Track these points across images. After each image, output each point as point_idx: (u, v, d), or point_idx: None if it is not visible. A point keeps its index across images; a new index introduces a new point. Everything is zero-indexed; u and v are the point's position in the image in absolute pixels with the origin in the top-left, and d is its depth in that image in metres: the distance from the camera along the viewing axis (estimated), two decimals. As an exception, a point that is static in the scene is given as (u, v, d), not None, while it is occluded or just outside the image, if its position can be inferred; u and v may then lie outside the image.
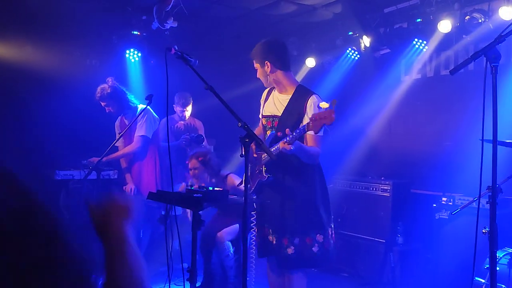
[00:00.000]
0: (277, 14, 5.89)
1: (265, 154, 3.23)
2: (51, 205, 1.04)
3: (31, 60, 5.51)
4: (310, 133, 3.07)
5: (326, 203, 3.36)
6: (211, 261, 4.40)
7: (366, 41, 5.74)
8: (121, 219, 1.30)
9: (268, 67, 3.30)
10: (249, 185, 3.36)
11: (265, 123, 3.43)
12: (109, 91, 4.85)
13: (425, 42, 5.39)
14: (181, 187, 4.37)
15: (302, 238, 3.22)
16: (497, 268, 3.32)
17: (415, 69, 5.83)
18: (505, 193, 3.38)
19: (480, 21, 4.70)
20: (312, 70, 6.47)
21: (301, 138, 3.14)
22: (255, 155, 3.36)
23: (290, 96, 3.30)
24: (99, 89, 4.87)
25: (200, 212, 2.73)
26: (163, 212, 2.91)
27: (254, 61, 3.41)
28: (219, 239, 4.32)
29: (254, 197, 3.45)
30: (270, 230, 3.33)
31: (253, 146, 3.31)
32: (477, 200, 2.65)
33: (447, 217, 4.51)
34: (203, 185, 3.11)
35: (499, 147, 2.27)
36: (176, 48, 2.80)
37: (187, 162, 4.57)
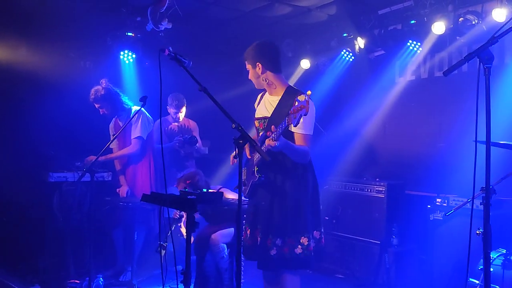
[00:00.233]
0: (271, 16, 5.89)
1: (257, 155, 3.25)
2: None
3: (25, 62, 5.48)
4: (295, 130, 3.11)
5: (315, 205, 3.35)
6: (206, 263, 4.38)
7: (360, 42, 5.76)
8: None
9: (259, 68, 3.34)
10: (244, 187, 3.38)
11: (258, 125, 3.46)
12: (102, 92, 4.84)
13: (419, 43, 5.41)
14: (175, 214, 4.34)
15: (284, 240, 3.20)
16: (491, 269, 3.33)
17: (409, 71, 5.86)
18: (499, 194, 3.39)
19: (473, 22, 4.72)
20: (307, 72, 6.48)
21: (291, 138, 3.16)
22: (249, 157, 3.37)
23: (280, 97, 3.33)
24: (92, 91, 4.87)
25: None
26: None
27: (246, 62, 3.44)
28: (213, 241, 4.31)
29: (246, 199, 3.45)
30: (260, 231, 3.32)
31: (247, 148, 3.32)
32: (471, 201, 2.65)
33: (441, 218, 4.52)
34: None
35: (492, 148, 2.28)
36: (170, 49, 2.79)
37: (175, 185, 4.55)
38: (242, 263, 4.08)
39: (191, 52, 6.10)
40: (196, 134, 5.78)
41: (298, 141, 3.20)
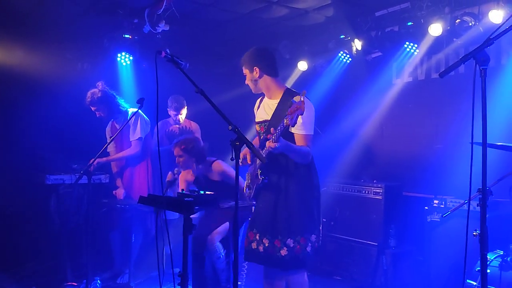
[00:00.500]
0: (269, 18, 5.90)
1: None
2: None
3: (22, 63, 5.48)
4: (295, 130, 3.17)
5: (318, 204, 3.41)
6: (202, 263, 4.37)
7: (357, 44, 5.76)
8: None
9: (256, 72, 3.40)
10: (249, 190, 3.44)
11: (258, 129, 3.51)
12: (99, 95, 4.84)
13: (416, 45, 5.42)
14: (168, 176, 4.32)
15: (296, 239, 3.25)
16: (488, 271, 3.33)
17: (406, 72, 5.87)
18: (496, 195, 3.38)
19: (470, 24, 4.73)
20: (304, 73, 6.48)
21: (292, 139, 3.20)
22: (249, 162, 3.43)
23: (279, 100, 3.38)
24: (89, 94, 4.86)
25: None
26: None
27: (243, 67, 3.50)
28: (210, 241, 4.30)
29: (253, 203, 3.48)
30: (262, 234, 3.34)
31: (248, 154, 3.41)
32: (468, 202, 2.65)
33: (438, 220, 4.53)
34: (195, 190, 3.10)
35: (490, 149, 2.28)
36: (167, 51, 2.80)
37: (172, 149, 4.55)
38: (245, 265, 4.08)
39: (188, 54, 6.12)
40: (198, 135, 5.77)
41: (299, 141, 3.24)
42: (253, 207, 3.55)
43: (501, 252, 3.61)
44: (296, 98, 2.88)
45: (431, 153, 5.37)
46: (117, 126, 5.02)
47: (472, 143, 2.30)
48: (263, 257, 3.32)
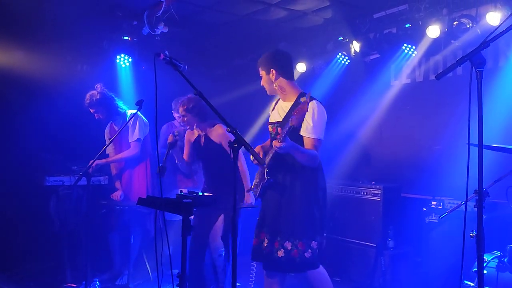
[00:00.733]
0: (267, 20, 5.91)
1: (268, 156, 3.35)
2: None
3: (22, 65, 5.48)
4: (304, 133, 3.22)
5: (323, 209, 3.42)
6: (202, 261, 4.37)
7: (356, 46, 5.79)
8: None
9: (273, 74, 3.46)
10: (255, 189, 3.49)
11: (271, 130, 3.55)
12: (98, 97, 4.85)
13: (414, 47, 5.44)
14: (170, 138, 4.30)
15: (295, 243, 3.26)
16: (485, 271, 3.34)
17: (404, 74, 5.89)
18: (493, 197, 3.40)
19: (468, 26, 4.76)
20: (303, 75, 6.49)
21: (300, 142, 3.24)
22: (254, 163, 3.42)
23: (292, 103, 3.42)
24: (88, 95, 4.87)
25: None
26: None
27: (260, 69, 3.56)
28: (212, 238, 4.31)
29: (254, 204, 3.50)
30: (265, 233, 3.39)
31: (260, 152, 3.45)
32: (465, 204, 2.67)
33: (436, 221, 4.54)
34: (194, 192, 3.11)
35: (487, 151, 2.29)
36: (166, 53, 2.81)
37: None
38: (254, 264, 4.08)
39: (187, 55, 6.13)
40: None
41: (307, 145, 3.27)
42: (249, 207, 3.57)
43: (499, 253, 3.62)
44: (302, 99, 2.96)
45: (430, 154, 5.39)
46: (116, 128, 5.02)
47: (468, 144, 2.31)
48: (264, 255, 3.36)
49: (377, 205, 5.25)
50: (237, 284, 2.74)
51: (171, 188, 5.18)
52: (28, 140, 5.14)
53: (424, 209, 4.76)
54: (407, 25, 5.30)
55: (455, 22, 4.80)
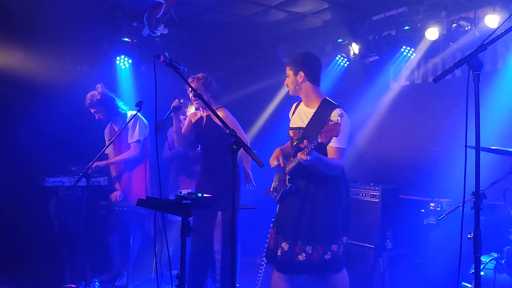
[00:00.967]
0: (267, 21, 5.93)
1: (290, 164, 3.34)
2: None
3: (21, 66, 5.48)
4: (329, 144, 3.14)
5: (347, 213, 3.44)
6: (203, 264, 4.37)
7: (355, 48, 5.81)
8: None
9: (300, 77, 3.42)
10: (275, 193, 3.50)
11: (292, 135, 3.53)
12: (98, 97, 4.87)
13: (413, 49, 5.46)
14: (175, 102, 4.28)
15: (315, 247, 3.29)
16: (483, 273, 3.36)
17: (403, 76, 5.90)
18: (491, 199, 3.41)
19: (466, 28, 4.78)
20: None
21: (324, 151, 3.21)
22: (282, 165, 3.44)
23: (315, 109, 3.40)
24: (88, 96, 4.89)
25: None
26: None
27: (287, 68, 3.51)
28: (216, 243, 4.34)
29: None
30: (283, 238, 3.38)
31: (280, 157, 3.43)
32: (462, 205, 2.68)
33: (434, 223, 4.56)
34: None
35: (485, 153, 2.31)
36: (166, 55, 2.83)
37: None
38: (263, 264, 4.10)
39: (187, 57, 6.14)
40: None
41: (330, 154, 3.25)
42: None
43: (496, 255, 3.64)
44: (334, 117, 2.91)
45: (428, 156, 5.40)
46: (116, 129, 5.04)
47: (466, 146, 2.33)
48: (282, 260, 3.35)
49: (376, 206, 5.26)
50: (237, 285, 2.75)
51: (174, 189, 5.20)
52: (28, 140, 5.15)
53: (422, 210, 4.77)
54: (406, 28, 5.33)
55: (454, 25, 4.82)
